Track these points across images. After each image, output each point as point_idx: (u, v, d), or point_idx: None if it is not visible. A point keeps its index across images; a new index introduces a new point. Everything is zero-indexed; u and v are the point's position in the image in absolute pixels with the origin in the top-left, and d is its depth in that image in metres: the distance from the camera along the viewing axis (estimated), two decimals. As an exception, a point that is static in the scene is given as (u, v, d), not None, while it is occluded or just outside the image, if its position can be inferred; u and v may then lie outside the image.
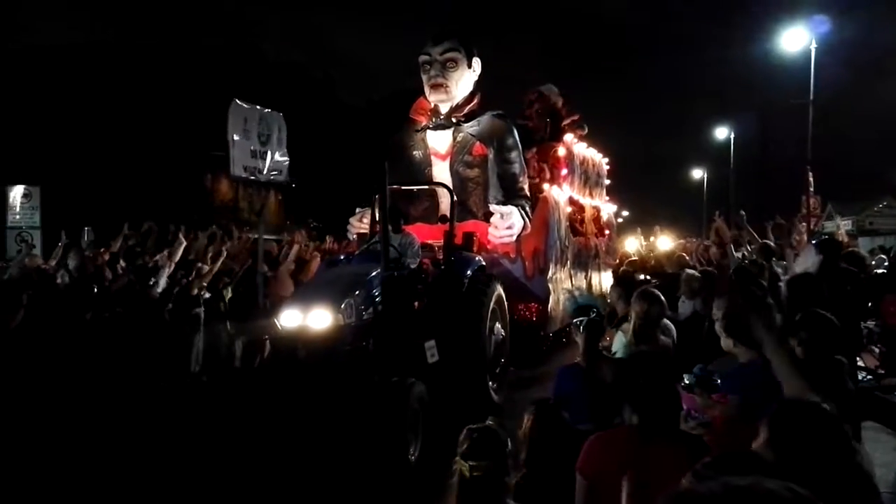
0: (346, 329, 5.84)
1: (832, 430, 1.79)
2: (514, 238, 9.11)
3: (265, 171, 7.38)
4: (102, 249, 8.26)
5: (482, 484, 2.33)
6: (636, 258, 12.01)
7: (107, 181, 24.65)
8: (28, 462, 4.12)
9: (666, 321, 4.45)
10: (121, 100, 26.86)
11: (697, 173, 42.39)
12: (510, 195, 9.44)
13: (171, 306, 7.19)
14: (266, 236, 9.04)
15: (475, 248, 8.48)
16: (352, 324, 5.91)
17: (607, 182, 14.06)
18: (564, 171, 11.00)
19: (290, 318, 5.84)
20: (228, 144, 6.89)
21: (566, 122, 11.95)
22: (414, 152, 9.75)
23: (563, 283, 10.47)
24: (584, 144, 12.41)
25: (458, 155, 9.55)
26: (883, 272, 8.32)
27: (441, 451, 2.86)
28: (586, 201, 12.34)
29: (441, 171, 9.57)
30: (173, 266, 7.26)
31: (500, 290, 7.82)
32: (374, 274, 6.32)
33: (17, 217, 13.35)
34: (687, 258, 8.57)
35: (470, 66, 9.65)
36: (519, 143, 9.75)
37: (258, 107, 7.43)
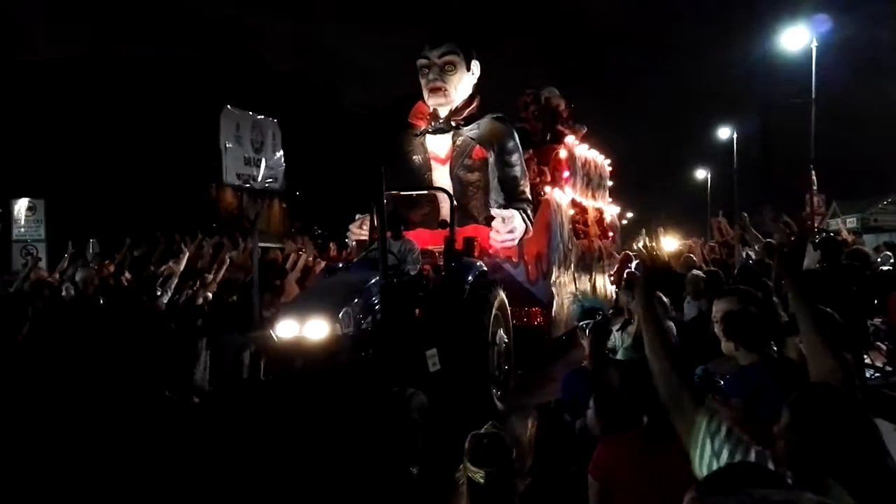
0: (343, 339, 5.71)
1: (857, 416, 1.71)
2: (516, 242, 9.05)
3: (259, 179, 7.19)
4: (107, 262, 8.28)
5: (495, 489, 2.32)
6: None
7: (111, 193, 24.81)
8: (34, 473, 4.13)
9: (669, 322, 4.44)
10: (124, 111, 27.03)
11: (701, 174, 42.44)
12: (511, 199, 9.39)
13: (177, 317, 7.19)
14: (269, 244, 9.01)
15: (476, 253, 8.38)
16: (350, 333, 5.79)
17: (610, 184, 14.04)
18: (566, 174, 10.97)
19: (287, 329, 5.70)
20: (221, 152, 6.71)
21: (567, 123, 11.94)
22: (413, 157, 9.65)
23: (566, 287, 10.42)
24: (586, 146, 12.39)
25: (457, 159, 9.45)
26: (889, 269, 8.27)
27: (443, 460, 2.86)
28: (589, 203, 12.31)
29: (441, 176, 9.48)
30: (177, 277, 7.27)
31: (502, 295, 7.68)
32: (372, 281, 6.20)
33: (22, 230, 13.33)
34: (694, 259, 8.54)
35: (469, 69, 9.55)
36: (520, 145, 9.69)
37: (251, 113, 7.24)
